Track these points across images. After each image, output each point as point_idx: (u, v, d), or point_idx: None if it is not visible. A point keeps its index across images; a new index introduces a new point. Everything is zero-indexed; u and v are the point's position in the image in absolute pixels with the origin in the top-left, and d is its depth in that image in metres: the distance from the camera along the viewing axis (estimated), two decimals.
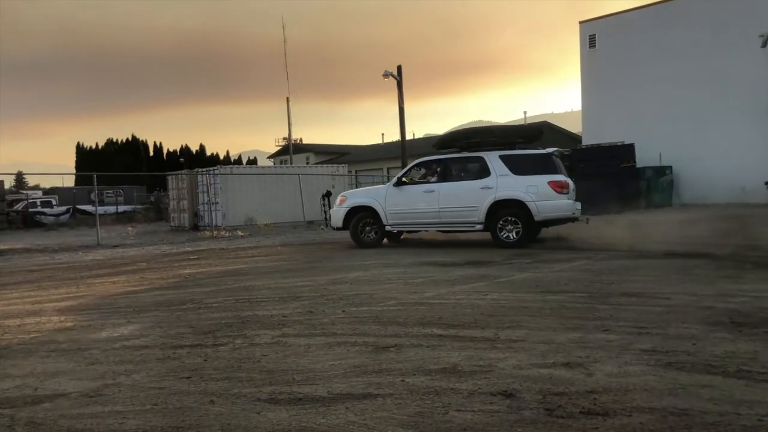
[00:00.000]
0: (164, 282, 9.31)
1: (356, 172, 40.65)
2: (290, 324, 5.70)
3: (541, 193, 12.28)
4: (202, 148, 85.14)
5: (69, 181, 71.01)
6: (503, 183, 12.51)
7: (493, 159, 12.73)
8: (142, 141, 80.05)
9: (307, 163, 51.77)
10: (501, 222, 12.43)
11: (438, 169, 13.35)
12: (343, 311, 6.19)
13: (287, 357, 4.59)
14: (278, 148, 70.93)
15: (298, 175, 25.00)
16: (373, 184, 36.37)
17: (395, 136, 51.08)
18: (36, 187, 67.66)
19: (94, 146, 79.27)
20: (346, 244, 14.52)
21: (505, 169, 12.57)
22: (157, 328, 5.78)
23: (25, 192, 53.08)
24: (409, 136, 40.27)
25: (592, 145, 28.39)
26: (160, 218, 33.32)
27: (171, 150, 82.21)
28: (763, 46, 25.96)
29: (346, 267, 10.02)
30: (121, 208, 38.68)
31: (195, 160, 74.37)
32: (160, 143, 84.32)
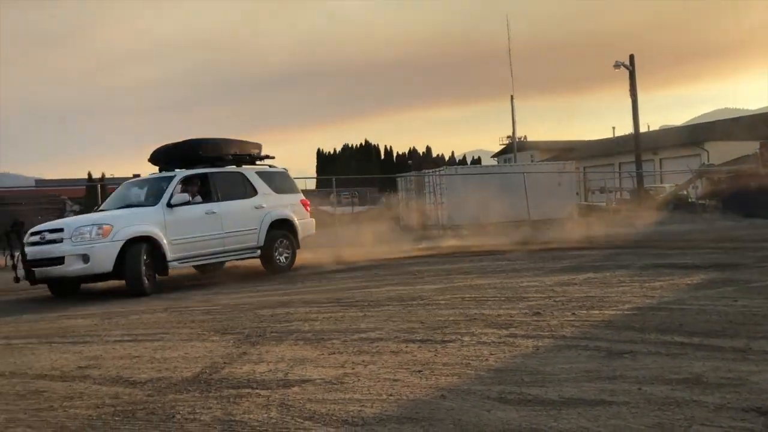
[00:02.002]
0: (396, 278, 9.77)
1: (584, 168, 39.08)
2: (517, 324, 5.66)
3: (298, 212, 12.21)
4: (428, 149, 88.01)
5: (311, 184, 77.41)
6: (271, 202, 11.81)
7: (252, 176, 11.92)
8: (374, 145, 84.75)
9: (532, 161, 50.92)
10: (276, 244, 11.77)
11: (206, 186, 11.30)
12: (573, 314, 6.00)
13: (515, 357, 4.57)
14: (502, 146, 70.71)
15: (523, 173, 24.72)
16: (602, 180, 34.70)
17: (626, 129, 48.32)
18: None
19: (331, 151, 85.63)
20: (597, 245, 14.03)
21: (267, 187, 11.92)
22: (389, 322, 6.09)
23: None
24: (643, 129, 37.77)
25: None
26: (390, 218, 34.99)
27: (400, 152, 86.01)
28: None
29: (575, 268, 9.70)
30: (357, 209, 41.27)
31: (422, 161, 76.95)
32: (390, 146, 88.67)
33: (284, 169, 12.98)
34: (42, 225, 10.51)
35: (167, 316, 7.46)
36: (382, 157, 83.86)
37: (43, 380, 4.69)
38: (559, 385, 3.83)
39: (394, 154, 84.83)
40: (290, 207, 12.23)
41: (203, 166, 11.50)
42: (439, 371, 4.29)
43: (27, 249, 9.74)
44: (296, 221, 12.18)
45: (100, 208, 11.58)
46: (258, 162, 12.60)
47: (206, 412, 3.68)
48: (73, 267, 9.44)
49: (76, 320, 7.59)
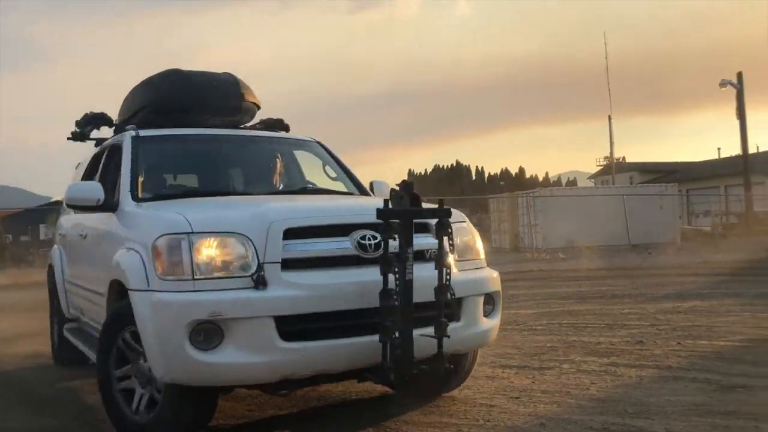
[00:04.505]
0: None
1: (687, 191, 37.37)
2: (619, 353, 5.45)
3: None
4: (521, 170, 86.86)
5: None
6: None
7: None
8: (466, 166, 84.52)
9: (631, 183, 49.15)
10: None
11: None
12: (678, 343, 5.72)
13: (618, 387, 4.40)
14: (599, 167, 68.69)
15: (623, 195, 23.91)
16: (708, 203, 33.04)
17: (733, 150, 45.89)
18: None
19: (422, 172, 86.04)
20: (703, 271, 13.41)
21: None
22: (484, 346, 6.01)
23: None
24: (752, 149, 35.77)
25: None
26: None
27: (492, 173, 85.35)
28: None
29: (679, 295, 9.26)
30: None
31: (515, 182, 75.96)
32: (482, 167, 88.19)
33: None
34: None
35: None
36: (473, 177, 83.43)
37: None
38: (666, 418, 3.66)
39: (486, 175, 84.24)
40: None
41: None
42: (538, 398, 4.20)
43: None
44: None
45: None
46: None
47: None
48: None
49: None
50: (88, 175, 5.47)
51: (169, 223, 3.43)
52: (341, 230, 3.46)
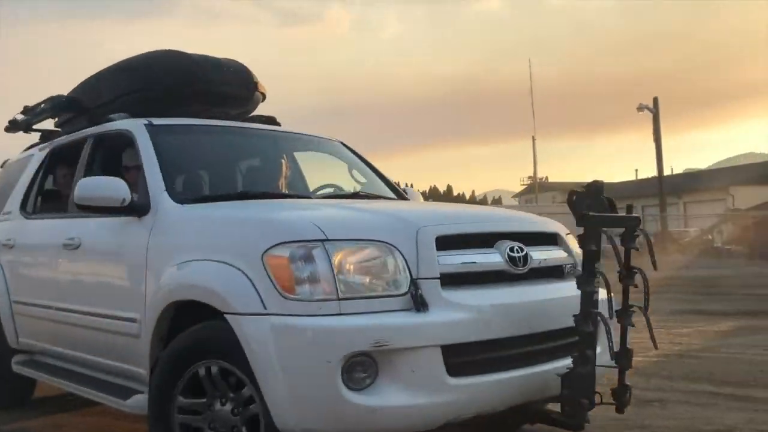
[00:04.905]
0: None
1: None
2: None
3: None
4: (449, 188, 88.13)
5: None
6: None
7: None
8: (395, 183, 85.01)
9: (553, 202, 50.68)
10: None
11: None
12: None
13: None
14: (523, 186, 70.61)
15: (545, 214, 24.51)
16: None
17: (650, 172, 48.01)
18: None
19: None
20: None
21: None
22: None
23: None
24: (667, 171, 37.48)
25: None
26: None
27: (420, 191, 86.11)
28: None
29: None
30: None
31: (443, 200, 77.04)
32: (411, 184, 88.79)
33: None
34: None
35: None
36: None
37: None
38: None
39: None
40: None
41: None
42: None
43: None
44: None
45: None
46: None
47: None
48: None
49: None
50: (46, 175, 4.60)
51: (288, 228, 2.69)
52: (486, 240, 2.90)
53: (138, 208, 3.34)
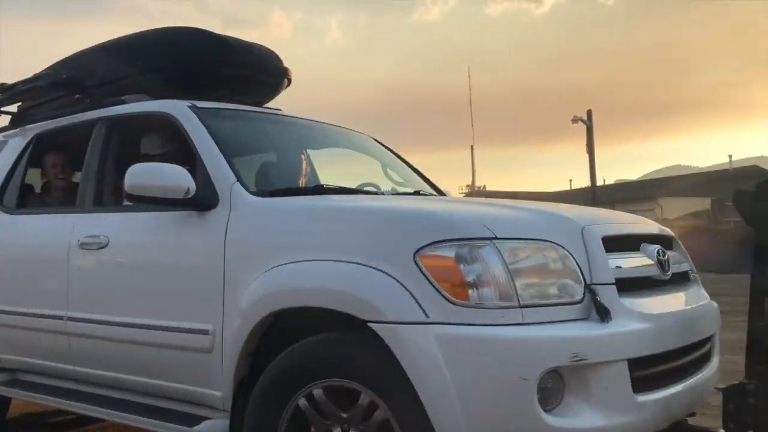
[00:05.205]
0: None
1: None
2: None
3: None
4: None
5: None
6: None
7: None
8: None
9: None
10: None
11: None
12: None
13: None
14: (461, 195, 71.26)
15: None
16: None
17: (584, 182, 49.21)
18: None
19: None
20: None
21: None
22: None
23: None
24: (600, 182, 38.47)
25: None
26: None
27: None
28: None
29: None
30: None
31: None
32: None
33: None
34: None
35: None
36: None
37: None
38: None
39: None
40: None
41: None
42: None
43: None
44: None
45: None
46: None
47: None
48: None
49: None
50: (29, 165, 3.99)
51: (451, 224, 2.33)
52: (634, 243, 2.67)
53: (201, 201, 2.88)
